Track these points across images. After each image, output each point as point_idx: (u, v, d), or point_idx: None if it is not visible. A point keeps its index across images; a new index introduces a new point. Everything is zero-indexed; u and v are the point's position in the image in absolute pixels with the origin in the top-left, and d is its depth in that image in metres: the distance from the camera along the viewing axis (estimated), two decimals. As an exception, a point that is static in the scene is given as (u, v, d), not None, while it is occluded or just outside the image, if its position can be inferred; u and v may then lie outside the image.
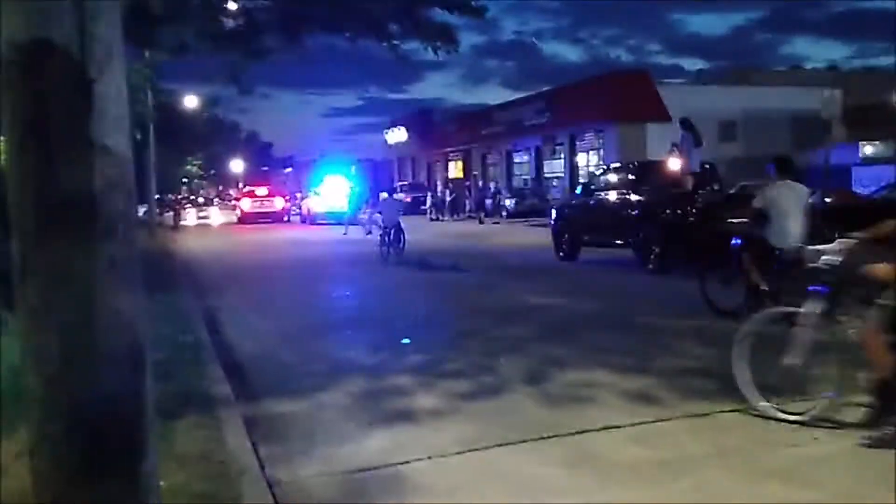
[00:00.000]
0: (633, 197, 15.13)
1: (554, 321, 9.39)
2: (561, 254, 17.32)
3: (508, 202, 38.37)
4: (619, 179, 16.17)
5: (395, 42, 12.48)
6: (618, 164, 18.48)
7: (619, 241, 15.45)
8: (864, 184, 26.08)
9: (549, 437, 5.10)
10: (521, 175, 46.49)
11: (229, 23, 11.23)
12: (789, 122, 39.59)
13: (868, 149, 32.93)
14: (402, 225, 18.72)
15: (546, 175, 43.69)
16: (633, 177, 15.68)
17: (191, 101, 36.55)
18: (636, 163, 17.33)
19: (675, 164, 15.18)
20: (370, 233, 24.61)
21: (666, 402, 5.82)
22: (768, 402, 5.35)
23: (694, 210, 13.88)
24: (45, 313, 2.20)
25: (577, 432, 5.19)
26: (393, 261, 17.70)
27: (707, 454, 4.70)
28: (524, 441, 5.06)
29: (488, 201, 39.10)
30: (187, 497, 3.93)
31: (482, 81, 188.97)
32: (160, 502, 2.49)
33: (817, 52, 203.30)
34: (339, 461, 4.89)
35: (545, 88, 44.10)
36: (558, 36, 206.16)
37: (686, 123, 15.36)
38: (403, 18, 11.96)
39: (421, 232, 26.02)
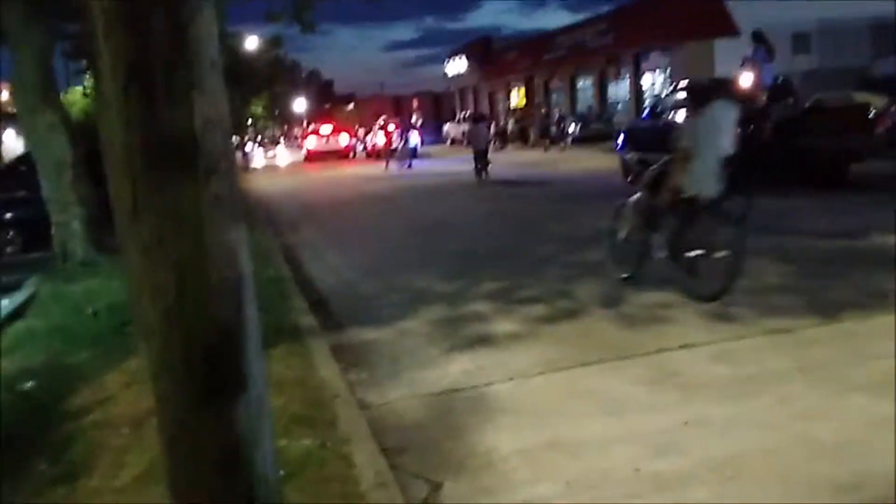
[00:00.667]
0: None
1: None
2: (629, 178, 17.08)
3: (573, 128, 37.77)
4: (686, 99, 15.76)
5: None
6: (686, 83, 18.00)
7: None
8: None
9: (628, 357, 5.18)
10: (585, 100, 45.64)
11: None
12: (867, 30, 37.75)
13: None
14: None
15: (611, 99, 42.81)
16: (702, 96, 15.26)
17: (253, 43, 36.70)
18: (705, 81, 16.82)
19: (746, 79, 14.74)
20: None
21: (746, 320, 5.82)
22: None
23: (768, 126, 13.50)
24: (159, 249, 2.34)
25: (656, 351, 5.25)
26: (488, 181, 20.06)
27: (789, 369, 4.71)
28: (604, 361, 5.15)
29: (553, 128, 38.55)
30: (288, 418, 4.15)
31: (541, 4, 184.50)
32: (271, 422, 2.66)
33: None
34: (425, 384, 5.08)
35: (607, 9, 42.87)
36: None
37: (758, 36, 14.88)
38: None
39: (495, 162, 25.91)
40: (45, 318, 7.43)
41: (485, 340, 5.92)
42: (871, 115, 14.08)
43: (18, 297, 8.60)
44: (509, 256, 9.39)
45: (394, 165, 29.24)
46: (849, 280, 6.82)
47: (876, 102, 15.89)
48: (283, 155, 49.86)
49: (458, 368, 5.34)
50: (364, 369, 5.50)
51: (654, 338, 5.55)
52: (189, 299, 2.37)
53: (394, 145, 34.06)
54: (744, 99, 14.62)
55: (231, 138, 2.51)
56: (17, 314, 7.95)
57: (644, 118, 17.63)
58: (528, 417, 4.39)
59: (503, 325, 6.29)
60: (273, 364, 5.03)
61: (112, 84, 2.37)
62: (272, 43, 37.39)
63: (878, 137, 13.73)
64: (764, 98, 14.48)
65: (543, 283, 7.68)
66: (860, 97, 17.40)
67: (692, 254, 6.56)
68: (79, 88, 23.34)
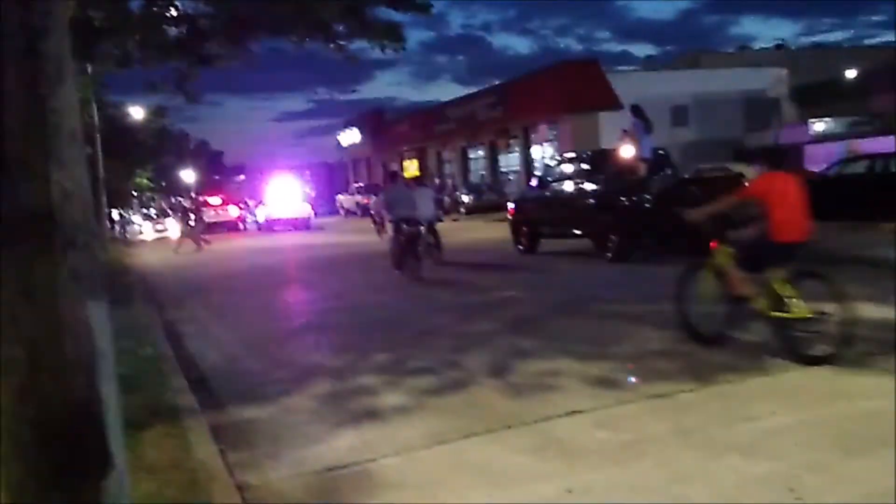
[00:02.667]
0: (588, 186, 15.30)
1: (518, 313, 9.50)
2: (520, 247, 17.45)
3: (466, 198, 38.49)
4: (573, 170, 16.34)
5: (341, 43, 12.50)
6: (572, 155, 18.66)
7: (576, 232, 15.62)
8: (818, 161, 26.60)
9: (514, 427, 5.19)
10: (476, 170, 46.64)
11: (172, 31, 11.15)
12: (740, 104, 40.28)
13: (819, 126, 33.59)
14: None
15: (502, 169, 43.90)
16: (587, 166, 15.86)
17: (137, 113, 36.07)
18: (589, 152, 17.52)
19: (627, 151, 15.41)
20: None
21: (627, 386, 5.95)
22: None
23: (648, 197, 14.09)
24: (12, 325, 2.22)
25: (542, 419, 5.28)
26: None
27: (666, 433, 4.82)
28: (491, 431, 5.14)
29: (446, 199, 39.16)
30: (159, 505, 3.95)
31: (433, 78, 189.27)
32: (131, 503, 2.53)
33: (765, 30, 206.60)
34: (308, 462, 4.94)
35: (497, 83, 44.25)
36: (506, 28, 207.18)
37: (636, 110, 15.62)
38: (349, 18, 11.98)
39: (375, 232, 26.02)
40: None
41: (372, 415, 5.82)
42: (745, 185, 14.88)
43: None
44: (399, 327, 9.36)
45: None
46: (724, 344, 7.08)
47: (749, 173, 16.87)
48: (173, 227, 48.74)
49: (343, 444, 5.22)
50: (244, 449, 5.30)
51: (540, 406, 5.59)
52: (43, 376, 2.25)
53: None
54: (625, 170, 15.30)
55: (92, 211, 2.43)
56: None
57: (533, 189, 18.11)
58: (412, 492, 4.31)
59: (391, 399, 6.21)
60: (147, 447, 4.80)
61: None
62: (157, 113, 36.81)
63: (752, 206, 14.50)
64: (644, 169, 15.15)
65: (432, 354, 7.66)
66: (736, 168, 18.46)
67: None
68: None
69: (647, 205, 14.04)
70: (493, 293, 11.45)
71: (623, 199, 14.32)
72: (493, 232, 24.71)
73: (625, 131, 15.57)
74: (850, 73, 42.23)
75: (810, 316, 6.20)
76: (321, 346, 8.65)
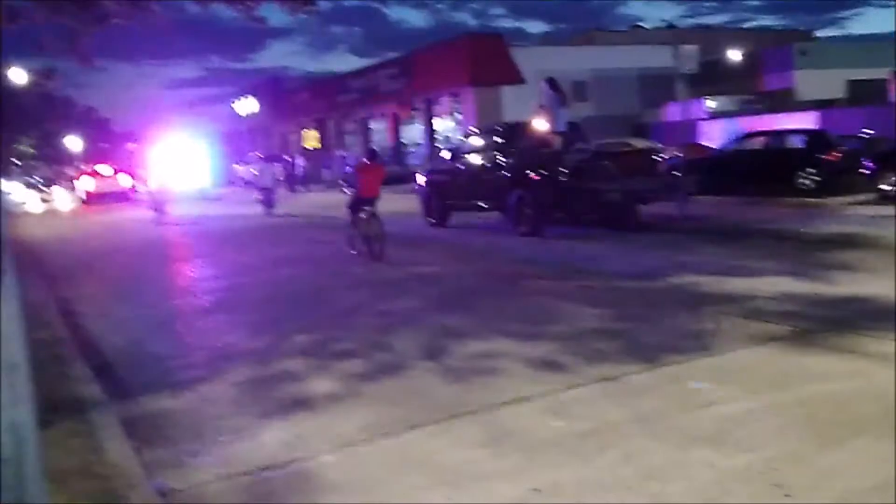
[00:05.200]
0: (503, 159, 15.03)
1: (442, 290, 9.15)
2: (431, 220, 17.10)
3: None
4: (487, 142, 16.02)
5: (248, 3, 11.78)
6: (485, 126, 18.37)
7: (489, 205, 15.36)
8: (712, 138, 27.19)
9: (460, 416, 4.83)
10: (378, 143, 45.91)
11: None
12: (636, 80, 40.92)
13: (711, 104, 34.49)
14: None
15: (404, 142, 43.37)
16: (501, 139, 15.57)
17: (18, 76, 33.66)
18: (504, 124, 17.22)
19: (541, 124, 15.19)
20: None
21: (572, 368, 5.67)
22: None
23: (563, 170, 13.93)
24: None
25: (489, 408, 4.94)
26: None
27: (625, 421, 4.55)
28: (435, 422, 4.77)
29: (348, 170, 38.33)
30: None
31: (328, 49, 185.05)
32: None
33: (651, 12, 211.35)
34: (236, 461, 4.45)
35: (399, 54, 43.50)
36: (403, 1, 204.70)
37: (552, 83, 15.41)
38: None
39: (285, 205, 25.21)
40: None
41: (301, 404, 5.35)
42: (657, 160, 14.93)
43: None
44: (316, 304, 8.87)
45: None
46: (659, 322, 6.93)
47: (642, 147, 16.97)
48: (61, 198, 46.08)
49: (273, 439, 4.75)
50: (162, 446, 4.77)
51: (484, 392, 5.25)
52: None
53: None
54: (539, 143, 15.10)
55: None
56: None
57: (445, 161, 17.73)
58: (357, 494, 3.91)
59: (319, 385, 5.75)
60: (51, 450, 4.20)
61: None
62: (45, 75, 34.39)
63: (661, 180, 14.57)
64: (558, 142, 14.98)
65: (357, 334, 7.22)
66: (637, 143, 18.54)
67: None
68: None
69: (561, 178, 13.88)
70: (410, 268, 11.06)
71: (538, 172, 14.11)
72: (397, 204, 24.19)
73: (542, 105, 15.33)
74: (735, 54, 43.51)
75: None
76: (234, 326, 8.06)
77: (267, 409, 5.32)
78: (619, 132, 32.49)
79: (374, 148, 17.47)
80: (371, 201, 12.74)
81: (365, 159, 14.14)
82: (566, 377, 5.46)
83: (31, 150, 51.19)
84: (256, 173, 27.52)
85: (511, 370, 5.73)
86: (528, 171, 14.22)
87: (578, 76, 39.05)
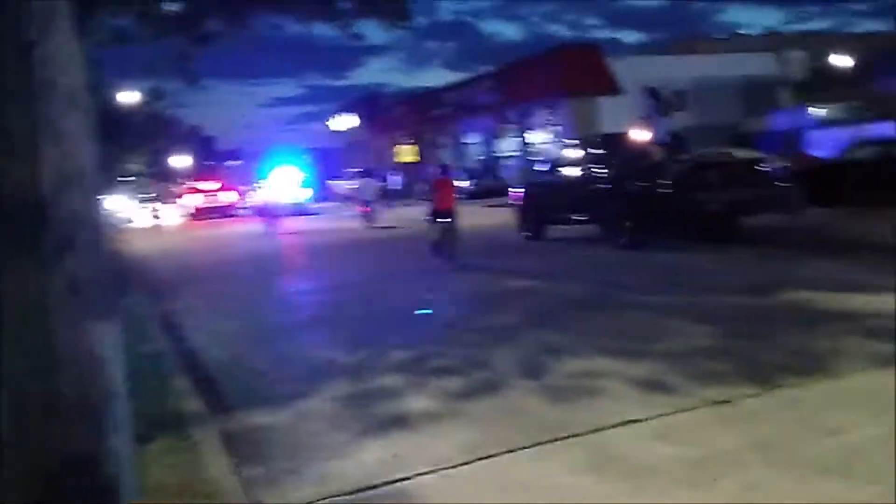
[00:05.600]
0: (602, 171, 14.71)
1: (538, 305, 8.93)
2: (527, 233, 16.90)
3: (465, 184, 37.88)
4: (585, 154, 15.74)
5: (346, 20, 11.89)
6: (583, 138, 18.10)
7: (588, 218, 15.06)
8: (821, 146, 26.02)
9: (563, 439, 4.64)
10: (474, 156, 45.98)
11: (172, 6, 10.50)
12: (738, 89, 39.70)
13: (819, 111, 33.04)
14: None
15: (499, 154, 43.30)
16: (600, 150, 15.27)
17: (132, 97, 35.07)
18: (602, 135, 16.92)
19: (641, 134, 14.84)
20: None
21: (681, 389, 5.38)
22: None
23: (665, 182, 13.52)
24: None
25: (593, 430, 4.73)
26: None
27: (741, 448, 4.26)
28: (537, 444, 4.58)
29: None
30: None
31: (423, 64, 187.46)
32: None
33: (752, 18, 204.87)
34: (334, 480, 4.38)
35: (494, 67, 43.47)
36: (496, 14, 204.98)
37: (652, 93, 15.05)
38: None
39: (383, 218, 25.43)
40: None
41: (399, 422, 5.25)
42: (761, 170, 14.35)
43: None
44: (414, 320, 8.80)
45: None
46: (772, 341, 6.55)
47: (747, 157, 16.30)
48: (168, 214, 47.84)
49: (371, 458, 4.66)
50: (260, 463, 4.74)
51: (588, 413, 5.04)
52: (33, 425, 1.67)
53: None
54: (639, 154, 14.75)
55: (97, 201, 1.86)
56: None
57: (542, 173, 17.53)
58: (459, 518, 3.77)
59: (417, 403, 5.65)
60: (151, 467, 4.23)
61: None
62: (154, 95, 35.73)
63: (765, 191, 13.97)
64: (659, 153, 14.60)
65: (454, 350, 7.09)
66: (740, 153, 17.90)
67: None
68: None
69: (663, 190, 13.47)
70: (508, 282, 10.89)
71: (639, 183, 13.75)
72: (491, 218, 24.11)
73: (642, 116, 14.98)
74: (842, 60, 41.62)
75: None
76: (332, 341, 8.05)
77: (365, 426, 5.24)
78: (721, 142, 31.57)
79: (446, 163, 18.15)
80: (446, 212, 13.75)
81: (438, 174, 15.34)
82: (675, 399, 5.18)
83: (141, 168, 53.31)
84: (356, 187, 28.81)
85: (615, 390, 5.49)
86: (627, 183, 13.88)
87: (678, 85, 38.24)
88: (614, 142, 15.57)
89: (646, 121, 14.92)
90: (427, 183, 16.61)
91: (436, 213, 13.97)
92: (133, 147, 43.30)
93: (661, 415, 4.89)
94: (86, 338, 1.69)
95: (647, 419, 4.84)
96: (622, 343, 6.73)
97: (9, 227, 1.58)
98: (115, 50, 11.16)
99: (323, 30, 11.44)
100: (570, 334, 7.26)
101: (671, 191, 13.39)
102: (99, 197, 1.83)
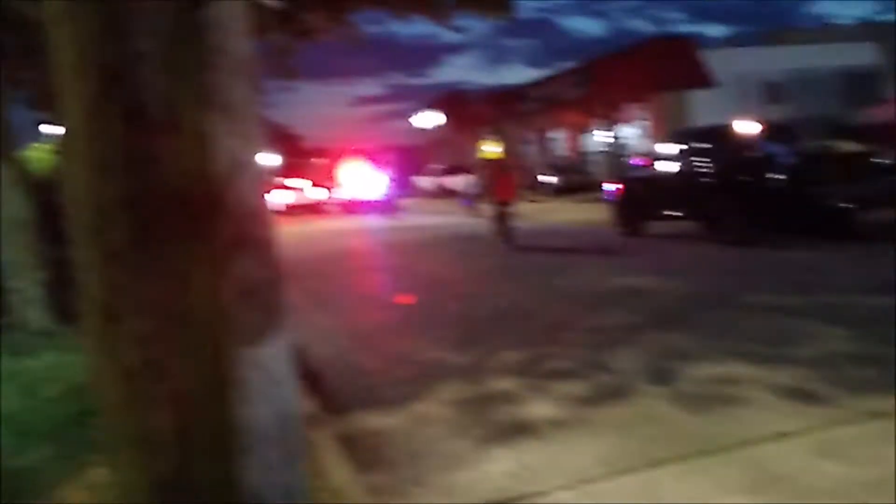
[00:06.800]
0: (705, 164, 14.09)
1: (655, 305, 8.48)
2: (624, 229, 16.37)
3: (552, 179, 37.36)
4: (686, 147, 15.12)
5: (446, 13, 11.66)
6: (682, 131, 17.44)
7: (690, 213, 14.46)
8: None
9: (710, 453, 4.24)
10: (559, 151, 45.34)
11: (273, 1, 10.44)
12: (836, 79, 37.99)
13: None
14: None
15: (586, 150, 42.54)
16: (703, 143, 14.62)
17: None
18: (705, 128, 16.25)
19: (746, 126, 14.17)
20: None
21: (833, 400, 4.91)
22: None
23: (776, 175, 12.83)
24: (149, 374, 1.38)
25: (742, 444, 4.32)
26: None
27: (922, 468, 3.80)
28: (683, 459, 4.20)
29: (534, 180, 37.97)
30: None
31: (504, 62, 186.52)
32: None
33: (842, 9, 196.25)
34: (463, 491, 4.10)
35: (578, 63, 42.69)
36: (577, 11, 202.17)
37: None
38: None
39: (469, 214, 25.18)
40: (-3, 402, 6.35)
41: (523, 429, 4.94)
42: (876, 162, 13.52)
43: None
44: (522, 319, 8.46)
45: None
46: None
47: (860, 150, 15.38)
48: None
49: (498, 469, 4.36)
50: (382, 470, 4.50)
51: (734, 424, 4.62)
52: (197, 456, 1.41)
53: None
54: (743, 146, 14.08)
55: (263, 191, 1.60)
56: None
57: (638, 169, 16.98)
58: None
59: (540, 408, 5.32)
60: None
61: (76, 105, 1.42)
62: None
63: (885, 185, 13.15)
64: (762, 146, 13.92)
65: (571, 351, 6.74)
66: (848, 145, 16.96)
67: None
68: (44, 146, 22.10)
69: (775, 184, 12.79)
70: (615, 280, 10.44)
71: (747, 177, 13.10)
72: (582, 213, 23.58)
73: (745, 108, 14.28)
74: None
75: None
76: (439, 340, 7.78)
77: (486, 432, 4.94)
78: (821, 134, 30.18)
79: (502, 163, 21.12)
80: (506, 203, 16.41)
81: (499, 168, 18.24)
82: (828, 411, 4.72)
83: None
84: (456, 184, 30.80)
85: (758, 399, 5.05)
86: (734, 177, 13.24)
87: (772, 77, 36.83)
88: (718, 134, 14.90)
89: (749, 112, 14.17)
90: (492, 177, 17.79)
91: (498, 203, 16.39)
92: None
93: (817, 427, 4.44)
94: (260, 352, 1.42)
95: (802, 432, 4.40)
96: (756, 347, 6.26)
97: (177, 221, 1.32)
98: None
99: (403, 29, 11.31)
100: (697, 336, 6.82)
101: (784, 185, 12.71)
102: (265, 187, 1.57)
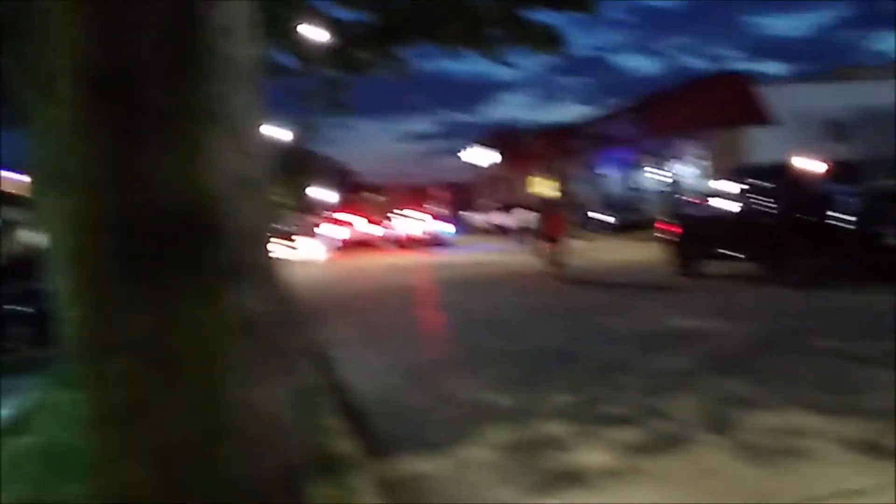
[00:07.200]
0: (767, 203, 13.66)
1: (714, 348, 8.13)
2: (681, 270, 15.93)
3: (607, 218, 36.91)
4: (746, 185, 14.71)
5: (496, 47, 11.60)
6: (742, 168, 17.03)
7: (749, 254, 14.02)
8: None
9: (775, 509, 3.94)
10: (614, 190, 44.88)
11: (324, 36, 10.51)
12: (904, 118, 36.89)
13: None
14: None
15: (641, 188, 42.05)
16: (764, 181, 14.21)
17: (284, 134, 36.04)
18: (767, 166, 15.81)
19: (809, 164, 13.75)
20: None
21: (906, 455, 4.55)
22: None
23: (843, 215, 12.35)
24: (137, 417, 1.22)
25: (810, 501, 4.00)
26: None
27: None
28: (744, 515, 3.90)
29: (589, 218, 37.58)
30: None
31: (556, 99, 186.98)
32: None
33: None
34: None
35: (632, 101, 42.37)
36: (631, 49, 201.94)
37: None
38: (506, 20, 11.10)
39: (523, 251, 24.94)
40: (43, 435, 6.32)
41: (572, 477, 4.68)
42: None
43: (19, 405, 7.51)
44: (574, 360, 8.18)
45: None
46: None
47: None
48: (315, 248, 48.97)
49: (547, 519, 4.12)
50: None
51: (797, 479, 4.30)
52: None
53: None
54: (806, 185, 13.66)
55: (273, 217, 1.45)
56: (18, 427, 6.85)
57: (695, 207, 16.59)
58: None
59: (590, 456, 5.06)
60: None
61: (63, 117, 1.28)
62: (306, 128, 36.57)
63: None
64: (826, 185, 13.50)
65: (624, 396, 6.46)
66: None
67: None
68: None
69: (841, 224, 12.31)
70: (671, 322, 10.10)
71: (811, 217, 12.65)
72: (637, 252, 23.12)
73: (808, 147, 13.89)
74: None
75: None
76: (488, 381, 7.54)
77: (534, 480, 4.71)
78: (885, 174, 29.27)
79: (553, 200, 22.75)
80: (554, 239, 17.31)
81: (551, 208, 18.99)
82: (898, 465, 4.37)
83: (292, 203, 54.97)
84: (508, 221, 33.28)
85: (824, 452, 4.72)
86: (798, 216, 12.81)
87: (835, 114, 35.98)
88: (780, 172, 14.48)
89: (812, 151, 13.76)
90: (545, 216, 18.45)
91: (546, 240, 17.49)
92: (286, 182, 44.64)
93: (888, 485, 4.09)
94: (261, 394, 1.24)
95: (872, 491, 4.06)
96: (821, 395, 5.91)
97: (170, 245, 1.15)
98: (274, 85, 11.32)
99: (454, 66, 11.19)
100: (758, 384, 6.47)
101: (849, 225, 12.24)
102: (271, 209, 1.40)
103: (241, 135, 1.26)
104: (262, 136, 1.35)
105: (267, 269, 1.31)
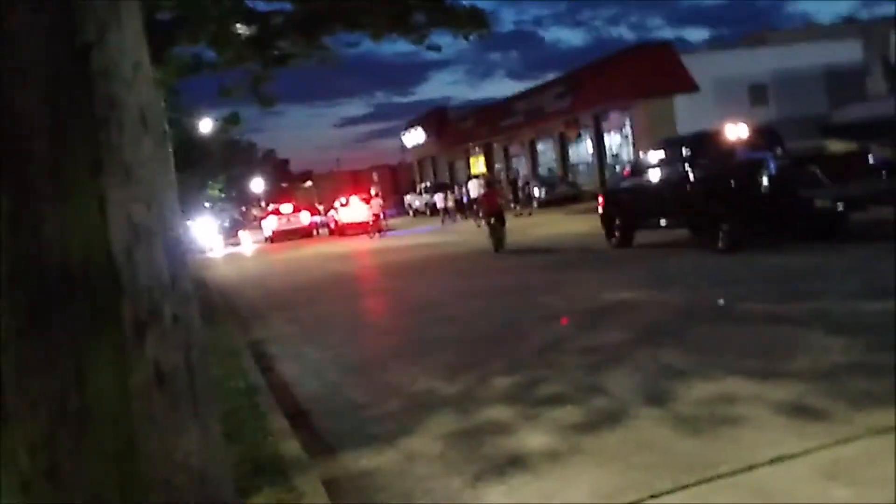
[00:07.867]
0: (693, 171, 13.94)
1: (648, 320, 8.30)
2: (613, 240, 16.21)
3: (538, 192, 37.25)
4: (673, 155, 14.97)
5: (422, 32, 11.52)
6: (668, 138, 17.32)
7: (677, 221, 14.32)
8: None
9: (711, 480, 4.04)
10: (546, 163, 45.28)
11: (246, 28, 10.27)
12: (822, 79, 38.02)
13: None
14: None
15: (573, 161, 42.50)
16: (690, 150, 14.48)
17: (207, 125, 35.47)
18: (691, 134, 16.10)
19: (733, 131, 14.05)
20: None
21: (835, 415, 4.72)
22: None
23: (764, 179, 12.68)
24: (46, 483, 1.18)
25: (746, 468, 4.11)
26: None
27: (934, 488, 3.61)
28: (683, 487, 4.00)
29: (519, 193, 37.88)
30: None
31: (487, 75, 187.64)
32: None
33: (823, 7, 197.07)
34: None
35: (563, 72, 42.69)
36: (558, 22, 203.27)
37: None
38: (431, 6, 11.03)
39: (457, 231, 25.03)
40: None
41: (517, 463, 4.73)
42: (866, 162, 13.38)
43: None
44: (514, 341, 8.26)
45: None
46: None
47: (851, 149, 15.26)
48: (245, 238, 48.33)
49: (495, 508, 4.16)
50: (374, 516, 4.29)
51: (734, 448, 4.42)
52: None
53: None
54: (731, 152, 13.96)
55: (187, 263, 1.40)
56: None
57: (626, 178, 16.83)
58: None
59: (533, 439, 5.12)
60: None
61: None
62: (230, 120, 36.00)
63: (879, 184, 13.01)
64: (748, 150, 13.82)
65: (564, 375, 6.55)
66: (837, 145, 16.85)
67: None
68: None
69: (762, 187, 12.64)
70: (605, 295, 10.26)
71: (735, 182, 12.96)
72: (572, 225, 23.45)
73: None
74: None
75: None
76: (430, 368, 7.56)
77: (479, 468, 4.73)
78: (809, 134, 30.06)
79: (490, 178, 25.12)
80: (495, 213, 18.64)
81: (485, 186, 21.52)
82: (832, 427, 4.52)
83: (219, 194, 54.19)
84: (443, 201, 36.11)
85: (759, 419, 4.86)
86: (722, 182, 13.11)
87: (757, 79, 36.81)
88: (703, 140, 14.78)
89: (737, 116, 14.07)
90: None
91: (488, 214, 18.90)
92: (211, 174, 43.93)
93: (821, 447, 4.25)
94: (178, 445, 1.22)
95: (805, 453, 4.20)
96: (753, 361, 6.08)
97: (70, 300, 1.12)
98: (194, 78, 11.05)
99: (386, 48, 11.07)
100: (691, 352, 6.63)
101: (773, 188, 12.57)
102: (185, 252, 1.37)
103: (141, 183, 1.22)
104: (169, 182, 1.31)
105: (184, 318, 1.28)
